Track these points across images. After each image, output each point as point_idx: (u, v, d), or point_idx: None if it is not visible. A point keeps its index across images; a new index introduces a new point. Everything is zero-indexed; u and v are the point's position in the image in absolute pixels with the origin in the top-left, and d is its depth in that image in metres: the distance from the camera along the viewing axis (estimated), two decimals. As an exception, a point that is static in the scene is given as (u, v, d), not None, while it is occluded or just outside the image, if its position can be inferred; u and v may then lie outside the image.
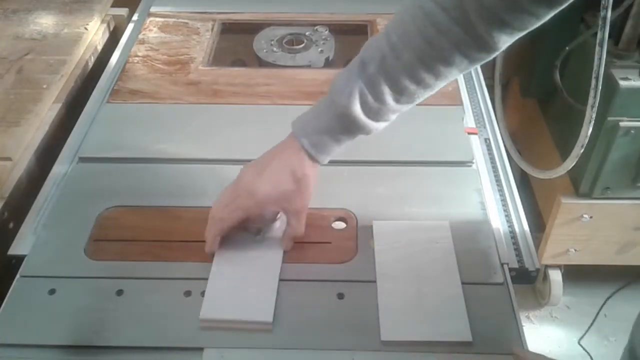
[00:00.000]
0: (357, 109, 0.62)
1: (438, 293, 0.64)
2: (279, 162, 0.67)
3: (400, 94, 0.62)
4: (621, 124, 1.21)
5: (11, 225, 0.76)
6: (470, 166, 0.81)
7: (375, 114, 0.63)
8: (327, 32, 1.09)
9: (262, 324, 0.62)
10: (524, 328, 0.63)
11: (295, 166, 0.66)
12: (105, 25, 1.14)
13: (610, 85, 1.17)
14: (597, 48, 1.04)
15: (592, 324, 1.49)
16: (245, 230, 0.71)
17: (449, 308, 0.62)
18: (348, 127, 0.65)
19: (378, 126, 0.65)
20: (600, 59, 1.05)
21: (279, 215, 0.71)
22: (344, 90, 0.63)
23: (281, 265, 0.68)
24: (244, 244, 0.70)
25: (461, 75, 0.99)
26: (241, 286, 0.65)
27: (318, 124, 0.66)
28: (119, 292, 0.65)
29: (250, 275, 0.66)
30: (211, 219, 0.68)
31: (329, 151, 0.67)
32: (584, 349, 1.45)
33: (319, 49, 1.05)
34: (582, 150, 1.16)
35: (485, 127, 0.91)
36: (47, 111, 0.91)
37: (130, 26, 1.14)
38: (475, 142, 0.87)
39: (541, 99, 1.53)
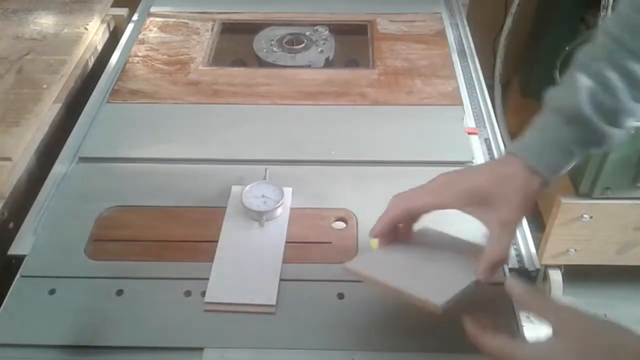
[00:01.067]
0: (587, 108, 0.56)
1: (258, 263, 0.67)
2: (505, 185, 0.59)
3: (634, 86, 0.57)
4: (621, 124, 1.21)
5: (11, 225, 0.76)
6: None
7: (609, 114, 0.57)
8: (327, 32, 1.09)
9: (265, 307, 0.63)
10: (524, 328, 0.63)
11: (525, 189, 0.59)
12: (105, 25, 1.14)
13: (610, 85, 1.17)
14: (597, 48, 1.04)
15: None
16: (248, 217, 0.72)
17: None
18: (580, 133, 0.58)
19: (614, 132, 0.58)
20: (600, 59, 1.05)
21: (280, 202, 0.72)
22: (568, 93, 0.58)
23: (283, 249, 0.69)
24: (247, 230, 0.71)
25: (461, 75, 1.00)
26: (244, 271, 0.66)
27: (543, 137, 0.60)
28: (119, 292, 0.65)
29: (254, 260, 0.68)
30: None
31: (559, 167, 0.59)
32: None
33: (319, 49, 1.05)
34: (582, 150, 1.16)
35: (485, 127, 0.91)
36: (47, 111, 0.91)
37: (130, 26, 1.14)
38: (475, 142, 0.87)
39: (541, 99, 1.53)
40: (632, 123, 0.58)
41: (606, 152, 1.26)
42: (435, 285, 0.58)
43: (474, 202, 0.59)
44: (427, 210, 0.62)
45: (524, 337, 0.61)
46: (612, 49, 0.57)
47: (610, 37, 0.58)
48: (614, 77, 0.56)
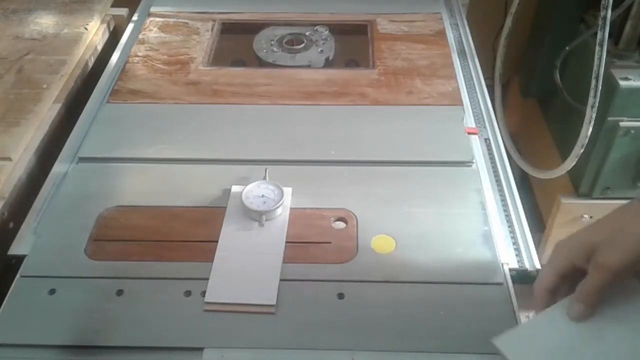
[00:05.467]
0: None
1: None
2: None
3: None
4: (621, 124, 1.21)
5: (11, 225, 0.76)
6: (470, 166, 0.81)
7: None
8: (327, 32, 1.09)
9: (265, 307, 0.63)
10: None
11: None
12: (105, 25, 1.14)
13: (610, 85, 1.17)
14: (597, 48, 1.05)
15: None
16: (248, 217, 0.72)
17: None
18: None
19: None
20: (600, 59, 1.05)
21: (280, 202, 0.72)
22: None
23: (283, 249, 0.69)
24: (247, 230, 0.71)
25: (461, 75, 1.00)
26: (244, 271, 0.66)
27: None
28: (119, 292, 0.65)
29: (254, 260, 0.68)
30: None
31: None
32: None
33: (319, 49, 1.05)
34: (582, 150, 1.17)
35: (485, 127, 0.91)
36: (47, 111, 0.91)
37: (130, 26, 1.14)
38: (475, 142, 0.87)
39: (541, 99, 1.53)
40: None
41: (604, 152, 1.26)
42: None
43: (587, 253, 0.55)
44: (552, 283, 0.57)
45: None
46: None
47: None
48: None
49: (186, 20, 1.12)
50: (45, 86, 0.92)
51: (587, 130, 1.13)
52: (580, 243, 0.56)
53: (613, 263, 0.53)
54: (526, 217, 0.78)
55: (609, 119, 1.21)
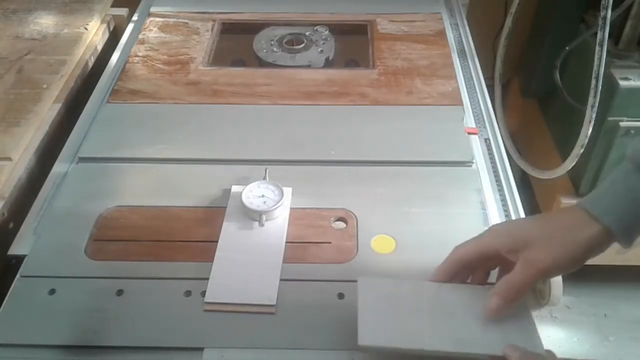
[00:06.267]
0: None
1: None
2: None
3: None
4: (621, 124, 1.21)
5: (11, 225, 0.76)
6: (470, 166, 0.81)
7: None
8: (327, 32, 1.09)
9: (265, 307, 0.63)
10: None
11: (574, 231, 0.55)
12: (105, 25, 1.14)
13: (610, 85, 1.17)
14: (597, 48, 1.05)
15: (592, 324, 1.49)
16: (248, 217, 0.72)
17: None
18: None
19: None
20: (600, 59, 1.05)
21: (280, 202, 0.72)
22: None
23: (283, 249, 0.69)
24: (247, 230, 0.71)
25: (461, 75, 1.00)
26: (244, 271, 0.67)
27: (607, 184, 0.56)
28: (119, 292, 0.65)
29: (253, 260, 0.68)
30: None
31: (623, 215, 0.54)
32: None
33: (319, 49, 1.05)
34: (582, 150, 1.17)
35: (485, 127, 0.91)
36: (47, 111, 0.91)
37: (130, 26, 1.14)
38: (475, 142, 0.87)
39: (541, 99, 1.54)
40: None
41: (604, 152, 1.26)
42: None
43: (515, 244, 0.56)
44: (470, 256, 0.59)
45: None
46: None
47: None
48: None
49: (186, 20, 1.12)
50: (45, 86, 0.92)
51: (587, 130, 1.13)
52: (515, 233, 0.57)
53: (544, 263, 0.54)
54: (526, 217, 0.77)
55: (609, 119, 1.21)
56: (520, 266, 0.55)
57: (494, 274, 0.62)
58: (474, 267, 0.61)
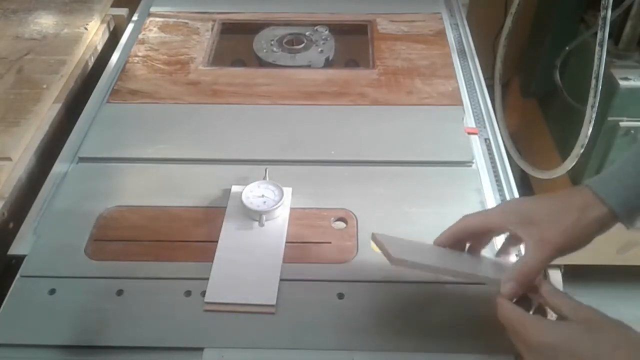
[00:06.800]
0: None
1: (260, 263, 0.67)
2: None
3: None
4: (621, 124, 1.21)
5: (11, 225, 0.76)
6: (470, 166, 0.81)
7: None
8: (327, 32, 1.09)
9: (265, 307, 0.63)
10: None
11: (580, 211, 0.56)
12: (105, 25, 1.14)
13: (610, 85, 1.17)
14: (597, 48, 1.05)
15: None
16: (248, 217, 0.72)
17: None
18: None
19: None
20: (600, 59, 1.05)
21: (280, 202, 0.72)
22: None
23: (283, 249, 0.69)
24: (247, 230, 0.71)
25: (461, 75, 1.00)
26: (244, 271, 0.66)
27: (614, 168, 0.57)
28: (119, 292, 0.65)
29: (254, 260, 0.68)
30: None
31: (628, 199, 0.55)
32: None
33: (319, 49, 1.05)
34: (582, 150, 1.17)
35: (485, 127, 0.91)
36: (47, 111, 0.91)
37: (130, 26, 1.14)
38: (475, 142, 0.87)
39: (541, 99, 1.54)
40: None
41: (604, 152, 1.26)
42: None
43: (523, 222, 0.57)
44: (477, 227, 0.62)
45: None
46: None
47: None
48: None
49: (186, 20, 1.12)
50: (45, 86, 0.92)
51: (587, 130, 1.13)
52: (524, 211, 0.58)
53: (558, 240, 0.55)
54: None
55: (609, 119, 1.21)
56: (533, 246, 0.56)
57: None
58: (475, 237, 0.63)
